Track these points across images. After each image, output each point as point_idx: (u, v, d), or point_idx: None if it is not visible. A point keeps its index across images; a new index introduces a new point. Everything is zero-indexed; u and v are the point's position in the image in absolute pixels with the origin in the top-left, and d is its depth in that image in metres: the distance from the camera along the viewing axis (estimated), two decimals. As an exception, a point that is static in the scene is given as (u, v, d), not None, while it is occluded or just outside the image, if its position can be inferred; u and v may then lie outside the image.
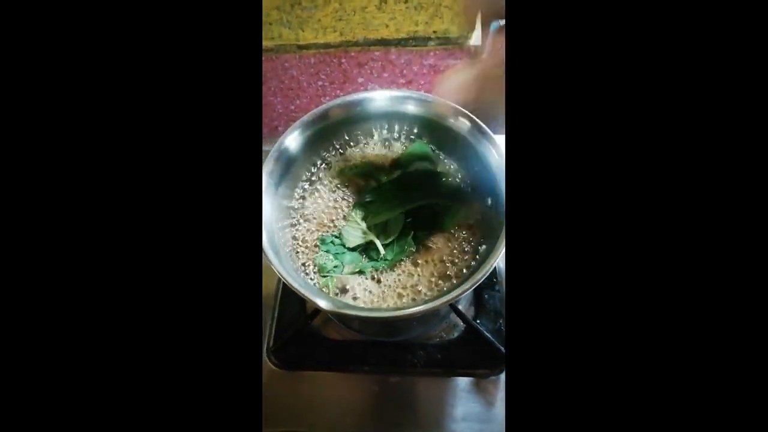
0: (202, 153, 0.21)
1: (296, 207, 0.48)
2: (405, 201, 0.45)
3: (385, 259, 0.44)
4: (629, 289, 0.18)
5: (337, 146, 0.49)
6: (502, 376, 0.47)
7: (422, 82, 0.62)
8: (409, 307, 0.34)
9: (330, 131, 0.47)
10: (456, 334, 0.50)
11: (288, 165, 0.45)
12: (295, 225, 0.47)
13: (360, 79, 0.61)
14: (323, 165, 0.50)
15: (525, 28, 0.19)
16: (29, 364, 0.19)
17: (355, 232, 0.46)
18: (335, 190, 0.49)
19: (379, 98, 0.45)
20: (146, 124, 0.20)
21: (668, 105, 0.18)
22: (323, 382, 0.48)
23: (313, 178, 0.49)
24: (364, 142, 0.50)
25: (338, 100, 0.44)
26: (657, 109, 0.18)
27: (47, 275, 0.19)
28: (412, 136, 0.49)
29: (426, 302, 0.34)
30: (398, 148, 0.50)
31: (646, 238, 0.18)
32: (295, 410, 0.46)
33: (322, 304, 0.35)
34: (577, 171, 0.19)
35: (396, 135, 0.49)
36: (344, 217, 0.47)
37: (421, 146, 0.48)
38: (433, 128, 0.46)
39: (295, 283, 0.35)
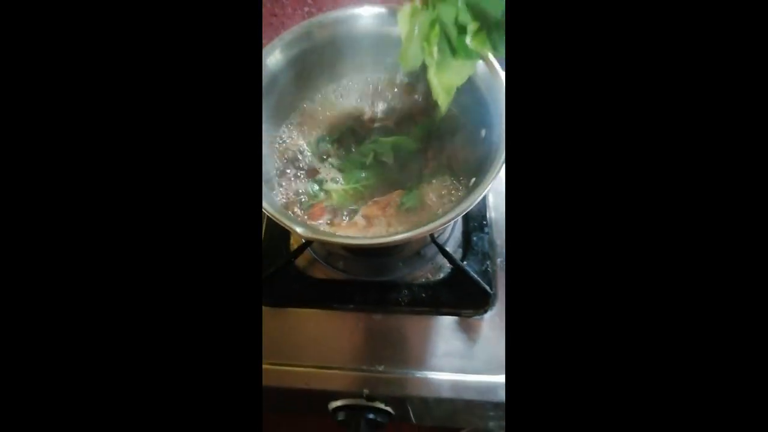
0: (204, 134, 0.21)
1: (281, 140, 0.45)
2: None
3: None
4: (628, 230, 0.18)
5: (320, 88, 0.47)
6: (487, 316, 0.46)
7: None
8: (389, 236, 0.33)
9: (315, 57, 0.44)
10: (441, 275, 0.49)
11: (270, 87, 0.42)
12: (281, 153, 0.45)
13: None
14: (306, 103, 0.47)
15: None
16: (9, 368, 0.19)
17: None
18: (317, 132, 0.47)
19: (365, 15, 0.41)
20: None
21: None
22: (309, 319, 0.48)
23: (299, 118, 0.47)
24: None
25: (320, 17, 0.41)
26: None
27: (32, 275, 0.19)
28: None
29: (406, 232, 0.33)
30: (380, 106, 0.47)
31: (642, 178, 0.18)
32: (280, 345, 0.46)
33: (300, 230, 0.34)
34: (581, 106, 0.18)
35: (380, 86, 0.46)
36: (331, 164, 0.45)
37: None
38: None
39: (274, 211, 0.34)
